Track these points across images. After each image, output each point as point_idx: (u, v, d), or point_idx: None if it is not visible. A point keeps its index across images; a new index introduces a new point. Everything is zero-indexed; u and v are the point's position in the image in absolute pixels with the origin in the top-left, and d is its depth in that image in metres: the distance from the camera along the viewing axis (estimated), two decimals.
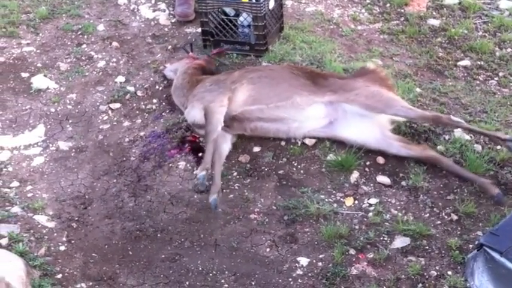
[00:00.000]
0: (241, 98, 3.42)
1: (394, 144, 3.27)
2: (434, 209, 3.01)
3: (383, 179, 3.21)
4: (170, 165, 3.43)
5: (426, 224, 2.91)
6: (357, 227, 2.96)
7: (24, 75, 4.21)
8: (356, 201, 3.11)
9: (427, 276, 2.68)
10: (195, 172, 3.28)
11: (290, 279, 2.77)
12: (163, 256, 2.92)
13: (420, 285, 2.64)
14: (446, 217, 2.97)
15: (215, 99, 3.41)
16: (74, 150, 3.61)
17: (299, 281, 2.75)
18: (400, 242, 2.84)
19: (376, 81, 3.39)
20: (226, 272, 2.83)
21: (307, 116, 3.40)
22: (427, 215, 3.00)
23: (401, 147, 3.26)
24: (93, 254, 2.94)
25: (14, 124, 3.79)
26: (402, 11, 4.86)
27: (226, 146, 3.45)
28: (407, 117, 3.33)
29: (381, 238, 2.88)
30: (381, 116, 3.33)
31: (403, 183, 3.19)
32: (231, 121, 3.44)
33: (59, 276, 2.79)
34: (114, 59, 4.35)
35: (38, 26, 4.68)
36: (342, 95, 3.33)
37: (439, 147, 3.34)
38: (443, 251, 2.79)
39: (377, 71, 3.49)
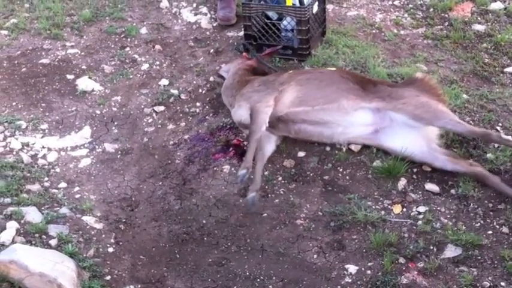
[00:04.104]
0: (288, 99, 3.40)
1: (440, 158, 3.22)
2: (486, 219, 2.95)
3: (431, 186, 3.16)
4: (215, 168, 3.44)
5: (478, 233, 2.86)
6: (406, 235, 2.92)
7: (70, 77, 4.26)
8: (404, 209, 3.07)
9: (479, 287, 2.63)
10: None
11: (339, 287, 2.74)
12: (210, 260, 2.92)
13: None
14: (498, 227, 2.91)
15: (262, 100, 3.41)
16: (119, 152, 3.64)
17: None
18: (451, 251, 2.79)
19: (426, 91, 3.34)
20: (274, 278, 2.82)
21: (352, 121, 3.37)
22: (478, 224, 2.94)
23: (447, 161, 3.20)
24: (141, 256, 2.96)
25: (61, 125, 3.84)
26: (446, 15, 4.79)
27: (270, 147, 3.45)
28: (455, 131, 3.27)
29: (431, 247, 2.84)
30: (428, 128, 3.28)
31: (453, 191, 3.14)
32: (276, 122, 3.43)
33: (108, 277, 2.81)
34: (158, 62, 4.38)
35: (81, 29, 4.74)
36: (389, 103, 3.29)
37: (489, 155, 3.28)
38: (495, 262, 2.74)
39: (426, 80, 3.43)
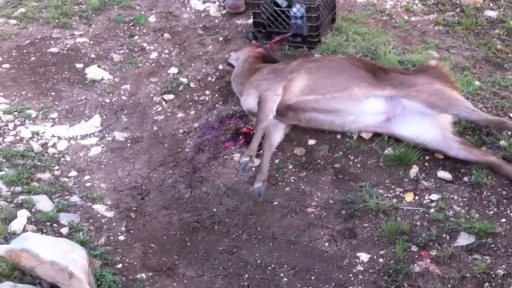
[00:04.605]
0: (298, 88, 3.37)
1: (454, 146, 3.18)
2: (500, 207, 2.91)
3: (444, 174, 3.13)
4: (225, 157, 3.42)
5: (491, 221, 2.83)
6: (418, 223, 2.90)
7: (79, 65, 4.26)
8: (416, 197, 3.04)
9: (493, 275, 2.60)
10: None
11: (350, 275, 2.73)
12: (221, 248, 2.91)
13: (487, 284, 2.57)
14: (511, 215, 2.88)
15: (270, 88, 3.38)
16: (129, 140, 3.63)
17: (360, 277, 2.71)
18: (464, 239, 2.76)
19: (439, 78, 3.30)
20: (285, 266, 2.80)
21: (364, 109, 3.33)
22: (491, 212, 2.91)
23: (460, 150, 3.16)
24: (152, 245, 2.95)
25: (70, 114, 3.84)
26: (457, 1, 4.73)
27: (278, 136, 3.42)
28: (470, 119, 3.23)
29: (444, 235, 2.81)
30: (442, 115, 3.24)
31: (465, 179, 3.10)
32: (286, 110, 3.40)
33: (119, 266, 2.81)
34: (166, 51, 4.36)
35: (90, 17, 4.73)
36: (402, 90, 3.25)
37: (502, 142, 3.24)
38: (509, 250, 2.70)
39: (439, 67, 3.38)
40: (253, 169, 3.25)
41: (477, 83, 3.77)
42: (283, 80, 3.42)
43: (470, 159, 3.11)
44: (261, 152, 3.28)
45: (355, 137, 3.42)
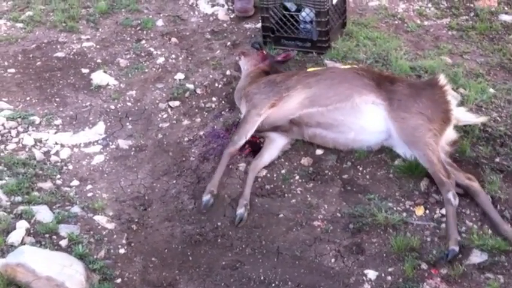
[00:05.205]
0: (296, 101, 3.30)
1: None
2: None
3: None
4: (230, 166, 3.34)
5: (504, 238, 2.71)
6: (428, 239, 2.79)
7: (84, 71, 4.19)
8: (427, 211, 2.94)
9: None
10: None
11: None
12: (224, 263, 2.83)
13: None
14: None
15: (257, 105, 3.33)
16: (133, 148, 3.56)
17: None
18: (476, 257, 2.66)
19: (436, 102, 3.16)
20: (290, 283, 2.71)
21: (364, 126, 3.21)
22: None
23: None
24: (153, 258, 2.87)
25: (75, 121, 3.77)
26: (471, 5, 4.62)
27: (268, 157, 3.32)
28: (424, 167, 3.03)
29: None
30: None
31: None
32: (290, 125, 3.33)
33: (119, 280, 2.74)
34: (173, 56, 4.29)
35: (97, 21, 4.67)
36: (394, 111, 3.14)
37: None
38: None
39: (444, 90, 3.21)
40: None
41: (491, 90, 3.66)
42: (276, 96, 3.35)
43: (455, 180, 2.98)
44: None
45: None
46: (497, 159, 3.14)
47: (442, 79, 3.26)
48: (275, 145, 3.36)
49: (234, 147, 3.27)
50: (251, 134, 3.31)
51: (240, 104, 3.61)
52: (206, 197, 3.08)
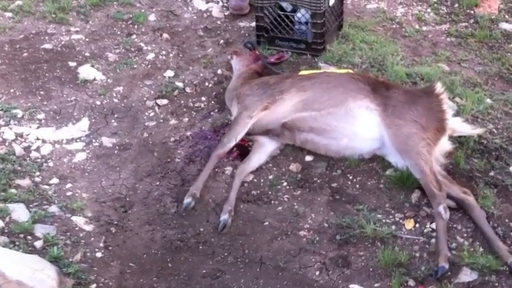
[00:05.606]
0: (290, 104, 3.20)
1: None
2: (506, 240, 2.70)
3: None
4: (216, 170, 3.23)
5: (496, 257, 2.61)
6: (417, 254, 2.69)
7: (72, 64, 4.07)
8: (417, 225, 2.84)
9: None
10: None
11: None
12: (204, 271, 2.72)
13: None
14: None
15: (249, 107, 3.24)
16: (117, 147, 3.44)
17: None
18: (466, 276, 2.56)
19: (431, 110, 3.07)
20: None
21: (357, 132, 3.11)
22: None
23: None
24: (131, 264, 2.76)
25: (58, 116, 3.65)
26: (472, 12, 4.52)
27: (257, 161, 3.23)
28: (415, 176, 2.94)
29: None
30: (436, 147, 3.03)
31: None
32: (282, 129, 3.23)
33: (93, 286, 2.62)
34: (164, 52, 4.17)
35: (88, 13, 4.54)
36: (388, 117, 3.05)
37: None
38: None
39: (440, 99, 3.12)
40: None
41: (488, 100, 3.56)
42: (269, 98, 3.25)
43: (449, 194, 2.88)
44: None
45: None
46: (491, 173, 3.04)
47: (439, 87, 3.16)
48: (264, 149, 3.26)
49: (223, 150, 3.17)
50: (241, 136, 3.21)
51: (231, 105, 3.50)
52: (187, 200, 2.98)
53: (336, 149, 3.15)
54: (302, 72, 3.60)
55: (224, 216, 2.90)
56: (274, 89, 3.26)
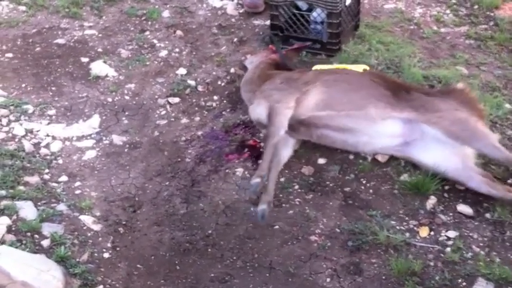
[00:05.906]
0: (312, 101, 3.12)
1: (475, 178, 2.88)
2: None
3: (464, 208, 2.84)
4: (227, 170, 3.17)
5: None
6: (431, 263, 2.62)
7: (84, 60, 4.04)
8: (432, 232, 2.76)
9: None
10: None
11: None
12: (212, 275, 2.66)
13: None
14: None
15: (282, 100, 3.14)
16: (127, 145, 3.40)
17: None
18: (481, 287, 2.47)
19: (465, 104, 3.00)
20: None
21: (379, 131, 3.05)
22: None
23: (482, 183, 2.85)
24: (138, 265, 2.71)
25: (69, 112, 3.62)
26: (492, 14, 4.42)
27: (286, 153, 3.17)
28: (491, 157, 2.91)
29: (460, 280, 2.52)
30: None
31: (488, 215, 2.81)
32: (297, 125, 3.15)
33: (100, 287, 2.57)
34: (177, 49, 4.12)
35: (102, 8, 4.51)
36: (423, 115, 2.97)
37: None
38: None
39: (466, 92, 3.07)
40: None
41: (508, 106, 3.47)
42: (297, 91, 3.17)
43: (493, 195, 2.81)
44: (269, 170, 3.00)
45: (369, 158, 3.15)
46: (508, 186, 2.94)
47: (461, 85, 3.13)
48: (288, 142, 3.17)
49: (278, 137, 3.05)
50: (286, 126, 3.09)
51: (247, 97, 3.43)
52: (256, 180, 2.85)
53: (354, 144, 3.09)
54: (316, 67, 3.54)
55: (263, 206, 2.80)
56: (298, 82, 3.20)
